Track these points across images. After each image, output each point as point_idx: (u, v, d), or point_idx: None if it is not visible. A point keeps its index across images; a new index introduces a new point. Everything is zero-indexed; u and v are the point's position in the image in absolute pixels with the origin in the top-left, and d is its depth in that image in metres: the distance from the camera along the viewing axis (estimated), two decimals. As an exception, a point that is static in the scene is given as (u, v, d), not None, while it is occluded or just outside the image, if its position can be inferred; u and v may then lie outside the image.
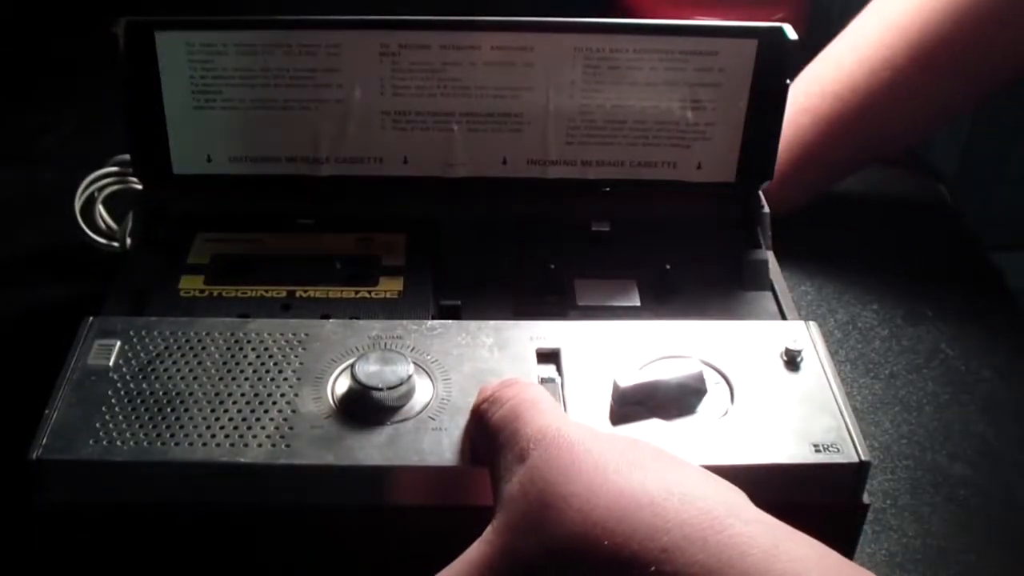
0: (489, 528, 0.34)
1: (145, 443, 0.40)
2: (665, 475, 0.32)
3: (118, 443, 0.40)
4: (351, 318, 0.47)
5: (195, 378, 0.42)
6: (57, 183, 0.63)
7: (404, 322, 0.45)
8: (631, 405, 0.41)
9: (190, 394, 0.42)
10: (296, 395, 0.42)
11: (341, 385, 0.42)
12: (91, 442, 0.40)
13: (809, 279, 0.64)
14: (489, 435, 0.37)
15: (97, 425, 0.40)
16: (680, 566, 0.29)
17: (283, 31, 0.50)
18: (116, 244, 0.61)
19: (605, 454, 0.33)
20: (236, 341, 0.44)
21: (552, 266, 0.51)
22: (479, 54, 0.51)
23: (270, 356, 0.43)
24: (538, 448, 0.34)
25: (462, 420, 0.41)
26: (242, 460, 0.39)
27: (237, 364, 0.43)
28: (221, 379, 0.42)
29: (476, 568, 0.33)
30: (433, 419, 0.41)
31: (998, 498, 0.51)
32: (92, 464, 0.39)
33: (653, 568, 0.30)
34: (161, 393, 0.42)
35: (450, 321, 0.45)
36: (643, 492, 0.32)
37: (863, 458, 0.40)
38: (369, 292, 0.49)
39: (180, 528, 0.41)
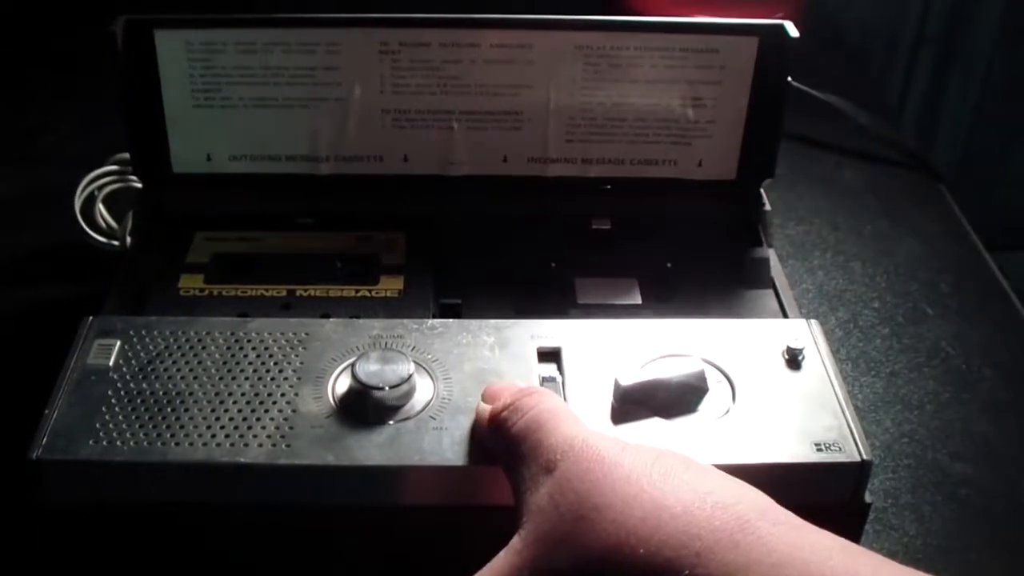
0: (516, 538, 0.34)
1: (145, 443, 0.40)
2: (696, 484, 0.33)
3: (118, 443, 0.39)
4: (351, 317, 0.47)
5: (195, 378, 0.42)
6: (57, 182, 0.63)
7: (405, 321, 0.45)
8: (632, 404, 0.41)
9: (190, 394, 0.41)
10: (296, 395, 0.41)
11: (342, 384, 0.42)
12: (91, 442, 0.39)
13: (810, 277, 0.64)
14: (510, 444, 0.37)
15: (97, 425, 0.40)
16: (713, 568, 0.30)
17: (283, 29, 0.50)
18: (116, 243, 0.61)
19: (636, 466, 0.34)
20: (236, 340, 0.44)
21: (553, 264, 0.51)
22: (479, 52, 0.51)
23: (270, 355, 0.43)
24: (566, 460, 0.34)
25: (463, 419, 0.40)
26: (242, 460, 0.39)
27: (237, 364, 0.43)
28: (221, 379, 0.42)
29: None
30: (434, 418, 0.41)
31: (999, 497, 0.51)
32: (92, 464, 0.39)
33: (687, 573, 0.30)
34: (161, 393, 0.41)
35: (451, 320, 0.45)
36: (676, 501, 0.32)
37: (865, 457, 0.40)
38: (369, 291, 0.49)
39: (180, 528, 0.41)
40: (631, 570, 0.31)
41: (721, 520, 0.31)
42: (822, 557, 0.30)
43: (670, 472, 0.33)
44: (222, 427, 0.40)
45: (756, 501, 0.33)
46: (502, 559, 0.33)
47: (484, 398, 0.40)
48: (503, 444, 0.38)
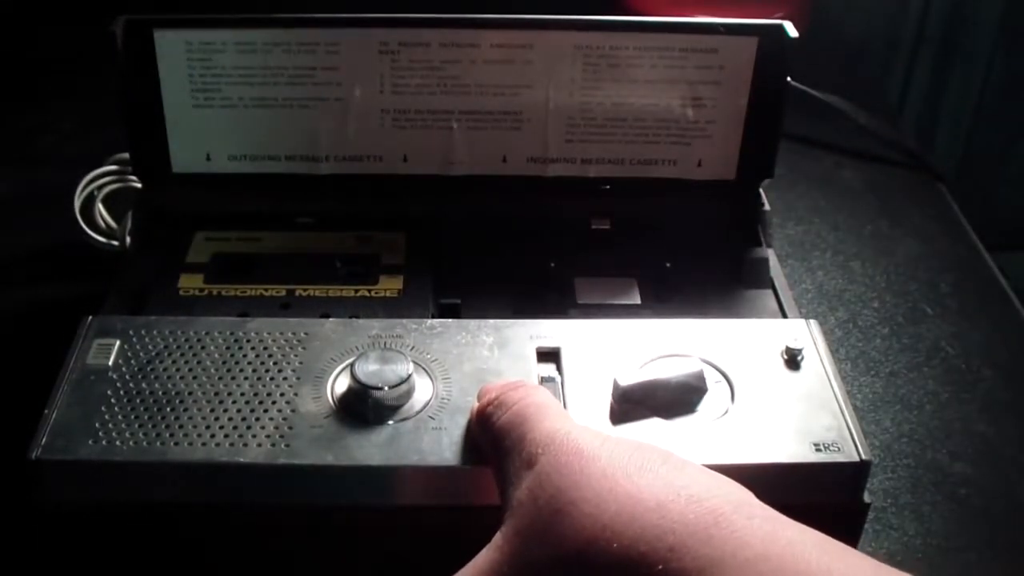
0: (498, 534, 0.34)
1: (144, 443, 0.40)
2: (672, 478, 0.33)
3: (117, 443, 0.40)
4: (351, 317, 0.47)
5: (195, 378, 0.42)
6: (57, 182, 0.63)
7: (404, 321, 0.45)
8: (631, 404, 0.41)
9: (190, 394, 0.41)
10: (296, 394, 0.42)
11: (341, 384, 0.42)
12: (90, 442, 0.39)
13: (810, 277, 0.64)
14: (494, 438, 0.37)
15: (96, 425, 0.40)
16: (686, 562, 0.30)
17: (282, 29, 0.50)
18: (116, 243, 0.61)
19: (613, 459, 0.34)
20: (236, 340, 0.44)
21: (552, 264, 0.51)
22: (479, 52, 0.51)
23: (270, 355, 0.43)
24: (546, 453, 0.34)
25: (462, 419, 0.40)
26: (242, 460, 0.39)
27: (237, 363, 0.43)
28: (221, 378, 0.42)
29: (486, 574, 0.33)
30: (433, 418, 0.41)
31: (999, 497, 0.51)
32: (91, 464, 0.39)
33: (660, 567, 0.30)
34: (161, 393, 0.41)
35: (450, 320, 0.45)
36: (651, 495, 0.32)
37: (864, 457, 0.40)
38: (369, 291, 0.49)
39: (180, 528, 0.41)
40: (606, 564, 0.31)
41: (695, 514, 0.31)
42: (797, 552, 0.30)
43: (647, 466, 0.33)
44: (221, 427, 0.40)
45: (732, 495, 0.32)
46: (484, 556, 0.34)
47: (478, 396, 0.40)
48: (489, 439, 0.38)
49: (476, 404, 0.40)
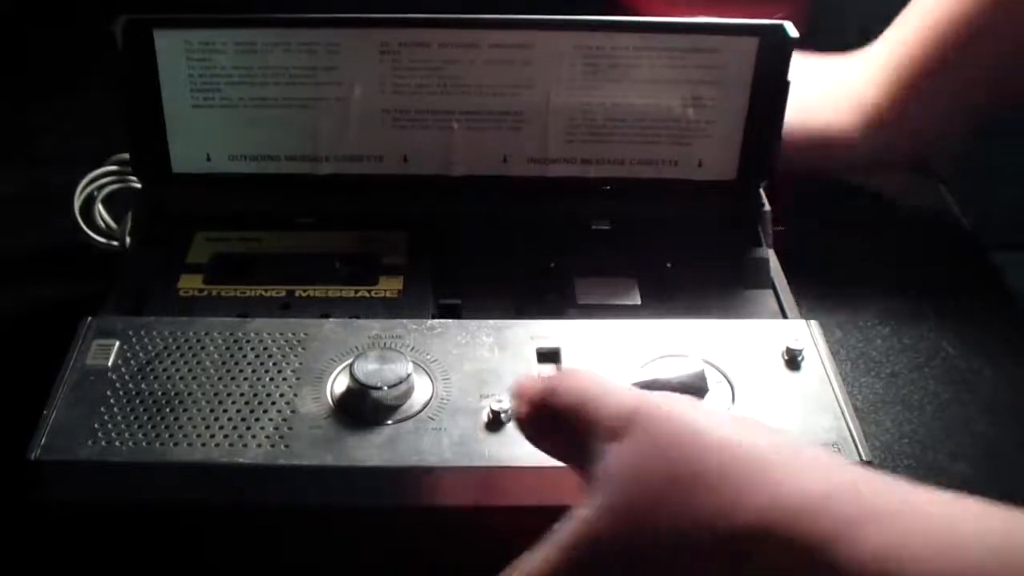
0: (584, 510, 0.32)
1: (144, 443, 0.40)
2: (773, 438, 0.32)
3: (117, 443, 0.40)
4: (351, 317, 0.47)
5: (194, 378, 0.42)
6: (57, 182, 0.63)
7: (404, 321, 0.45)
8: (632, 404, 0.41)
9: (189, 394, 0.41)
10: (295, 395, 0.41)
11: (340, 384, 0.42)
12: (90, 442, 0.39)
13: (810, 277, 0.64)
14: (561, 421, 0.35)
15: (96, 425, 0.40)
16: (825, 524, 0.30)
17: (282, 29, 0.50)
18: (116, 243, 0.61)
19: (712, 427, 0.33)
20: (235, 341, 0.44)
21: (552, 265, 0.51)
22: (479, 52, 0.51)
23: (269, 356, 0.43)
24: (635, 425, 0.33)
25: (462, 419, 0.40)
26: (241, 460, 0.39)
27: (236, 364, 0.43)
28: (220, 379, 0.42)
29: (575, 549, 0.32)
30: (433, 419, 0.41)
31: (999, 497, 0.51)
32: (91, 464, 0.39)
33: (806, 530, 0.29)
34: (160, 393, 0.41)
35: (450, 320, 0.45)
36: (777, 461, 0.31)
37: (864, 457, 0.40)
38: (369, 291, 0.49)
39: (180, 528, 0.41)
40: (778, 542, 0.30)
41: (834, 482, 0.30)
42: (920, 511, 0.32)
43: (749, 426, 0.33)
44: (221, 428, 0.40)
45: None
46: (568, 531, 0.32)
47: (514, 395, 0.37)
48: (551, 425, 0.36)
49: (519, 403, 0.37)
